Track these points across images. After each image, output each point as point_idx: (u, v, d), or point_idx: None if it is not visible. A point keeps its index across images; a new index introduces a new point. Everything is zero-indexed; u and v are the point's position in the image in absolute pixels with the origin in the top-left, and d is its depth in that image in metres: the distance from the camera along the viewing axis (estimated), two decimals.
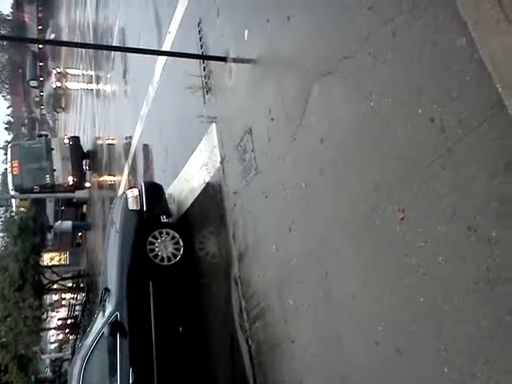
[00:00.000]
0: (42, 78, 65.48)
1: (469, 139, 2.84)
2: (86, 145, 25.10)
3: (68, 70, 39.14)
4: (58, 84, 42.76)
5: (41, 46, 59.23)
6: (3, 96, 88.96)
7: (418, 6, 3.20)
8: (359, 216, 3.83)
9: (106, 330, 7.01)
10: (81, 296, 29.42)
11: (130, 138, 13.35)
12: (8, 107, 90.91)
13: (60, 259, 28.39)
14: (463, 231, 2.89)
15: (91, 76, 23.79)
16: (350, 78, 3.91)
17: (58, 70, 44.53)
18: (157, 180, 10.15)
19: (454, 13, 2.88)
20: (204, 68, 7.30)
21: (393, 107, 3.43)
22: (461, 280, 2.91)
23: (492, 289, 2.71)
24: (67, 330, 34.09)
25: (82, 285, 27.55)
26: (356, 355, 3.97)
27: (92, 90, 23.67)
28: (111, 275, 7.83)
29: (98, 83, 21.68)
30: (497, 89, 2.64)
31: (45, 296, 23.03)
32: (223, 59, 6.41)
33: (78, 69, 31.32)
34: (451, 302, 2.98)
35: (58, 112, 44.37)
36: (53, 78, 44.56)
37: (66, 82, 41.00)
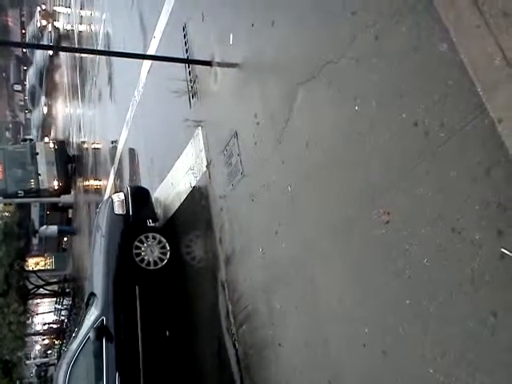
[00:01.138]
0: (25, 83, 64.84)
1: (452, 143, 2.88)
2: (72, 149, 24.92)
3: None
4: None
5: (24, 49, 58.65)
6: None
7: (400, 11, 3.23)
8: (345, 219, 3.86)
9: (91, 335, 6.96)
10: (67, 301, 29.14)
11: (116, 142, 13.29)
12: None
13: (45, 264, 28.13)
14: (447, 234, 2.92)
15: (77, 80, 23.63)
16: (335, 82, 3.93)
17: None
18: (143, 184, 10.12)
19: (436, 18, 2.92)
20: (189, 72, 7.29)
21: (377, 111, 3.46)
22: (445, 282, 2.94)
23: (476, 291, 2.74)
24: (53, 335, 33.74)
25: (67, 289, 27.31)
26: (343, 358, 3.98)
27: (77, 97, 23.50)
28: (97, 280, 7.77)
29: (83, 87, 21.54)
30: (478, 92, 2.68)
31: (30, 301, 22.78)
32: (208, 63, 6.41)
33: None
34: (436, 304, 3.01)
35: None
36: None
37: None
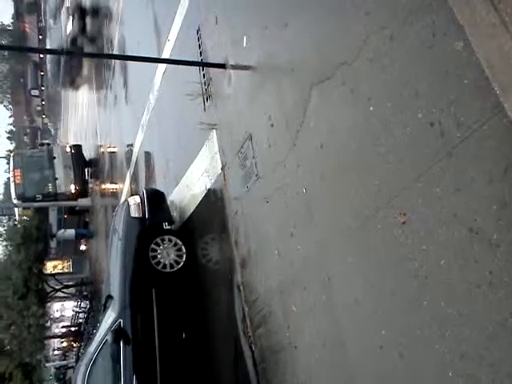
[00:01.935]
0: (43, 88, 65.74)
1: (468, 143, 2.85)
2: (88, 153, 25.15)
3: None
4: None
5: (42, 55, 59.49)
6: (5, 106, 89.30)
7: (415, 10, 3.21)
8: (361, 220, 3.83)
9: (109, 337, 7.01)
10: (84, 303, 29.40)
11: (132, 145, 13.39)
12: (10, 116, 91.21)
13: (63, 267, 28.43)
14: (465, 234, 2.89)
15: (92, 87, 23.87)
16: (349, 83, 3.92)
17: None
18: (158, 187, 10.16)
19: (451, 17, 2.90)
20: (203, 75, 7.32)
21: (392, 112, 3.44)
22: (463, 283, 2.91)
23: (495, 292, 2.71)
24: (71, 338, 34.06)
25: (85, 292, 27.55)
26: (360, 360, 3.96)
27: (93, 101, 23.73)
28: (114, 282, 7.83)
29: (99, 92, 21.75)
30: (495, 91, 2.64)
31: (48, 304, 23.04)
32: (222, 66, 6.43)
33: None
34: (454, 305, 2.98)
35: None
36: None
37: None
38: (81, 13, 21.25)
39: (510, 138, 2.59)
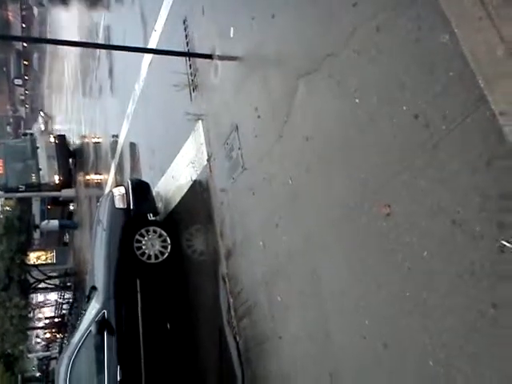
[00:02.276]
0: (26, 77, 64.80)
1: (453, 135, 2.87)
2: (73, 143, 24.90)
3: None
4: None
5: (25, 44, 58.59)
6: None
7: (402, 2, 3.22)
8: (346, 212, 3.86)
9: (93, 328, 6.99)
10: (68, 295, 29.22)
11: (117, 136, 13.28)
12: None
13: (46, 258, 28.15)
14: (448, 226, 2.92)
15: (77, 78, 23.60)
16: (335, 75, 3.92)
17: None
18: (144, 178, 10.11)
19: (437, 10, 2.91)
20: (190, 65, 7.28)
21: (378, 104, 3.46)
22: (446, 274, 2.95)
23: (476, 283, 2.75)
24: (54, 329, 33.87)
25: (69, 283, 27.37)
26: (344, 350, 4.00)
27: (78, 91, 23.46)
28: (98, 273, 7.79)
29: (84, 82, 21.50)
30: (479, 84, 2.67)
31: (31, 295, 22.85)
32: (209, 57, 6.40)
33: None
34: (436, 295, 3.02)
35: None
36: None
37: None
38: None
39: (493, 131, 2.61)
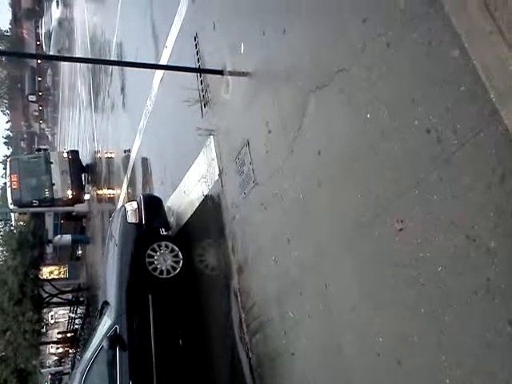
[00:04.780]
0: (40, 93, 65.76)
1: (465, 150, 2.85)
2: (86, 159, 25.14)
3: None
4: None
5: (39, 60, 59.55)
6: (2, 111, 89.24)
7: (412, 18, 3.23)
8: (358, 227, 3.83)
9: (105, 344, 6.97)
10: (80, 309, 29.27)
11: (129, 151, 13.39)
12: (7, 122, 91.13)
13: (59, 273, 28.28)
14: (462, 241, 2.89)
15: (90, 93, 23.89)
16: (346, 90, 3.93)
17: None
18: (156, 193, 10.16)
19: (447, 24, 2.91)
20: (201, 81, 7.34)
21: (389, 119, 3.45)
22: (461, 290, 2.91)
23: (492, 299, 2.71)
24: (67, 344, 33.89)
25: (81, 298, 27.43)
26: (357, 367, 3.95)
27: (91, 107, 23.74)
28: (110, 288, 7.80)
29: (96, 98, 21.76)
30: (491, 99, 2.65)
31: (44, 310, 22.91)
32: (220, 72, 6.44)
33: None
34: (451, 312, 2.97)
35: None
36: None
37: None
38: None
39: (506, 145, 2.59)
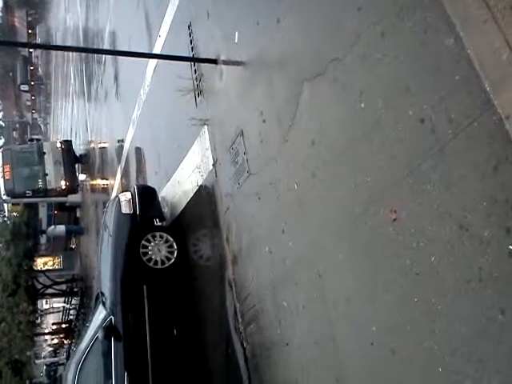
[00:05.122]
0: (32, 82, 65.27)
1: (459, 139, 2.85)
2: (79, 149, 25.00)
3: None
4: None
5: (31, 49, 59.01)
6: None
7: (407, 6, 3.21)
8: (352, 217, 3.84)
9: (100, 334, 6.98)
10: (75, 300, 29.26)
11: (123, 141, 13.31)
12: None
13: (54, 264, 28.19)
14: (455, 231, 2.90)
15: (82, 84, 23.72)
16: (341, 79, 3.91)
17: None
18: (150, 183, 10.13)
19: (442, 13, 2.89)
20: (195, 70, 7.29)
21: (383, 108, 3.44)
22: (454, 279, 2.92)
23: (485, 288, 2.72)
24: (62, 335, 33.91)
25: (76, 289, 27.40)
26: (351, 356, 3.97)
27: (84, 96, 23.58)
28: (105, 279, 7.79)
29: (89, 87, 21.60)
30: (485, 88, 2.65)
31: (38, 301, 22.88)
32: (214, 61, 6.40)
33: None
34: (444, 301, 2.99)
35: None
36: None
37: None
38: None
39: (500, 135, 2.59)
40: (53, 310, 35.53)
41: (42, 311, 22.79)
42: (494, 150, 2.63)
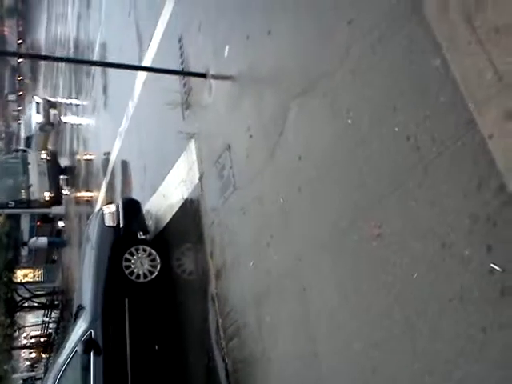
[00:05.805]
0: (20, 93, 64.88)
1: (443, 158, 2.89)
2: (64, 160, 24.82)
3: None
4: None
5: (20, 59, 58.75)
6: None
7: (395, 25, 3.26)
8: (336, 232, 3.85)
9: (79, 348, 6.87)
10: (55, 313, 28.77)
11: (109, 153, 13.25)
12: None
13: (34, 276, 27.76)
14: (438, 248, 2.92)
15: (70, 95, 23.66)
16: (329, 95, 3.95)
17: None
18: (135, 196, 10.06)
19: (429, 33, 2.95)
20: (184, 84, 7.31)
21: (370, 125, 3.48)
22: (435, 297, 2.93)
23: (465, 307, 2.73)
24: (40, 349, 33.25)
25: (56, 302, 26.97)
26: (333, 372, 3.95)
27: (71, 108, 23.48)
28: (86, 292, 7.69)
29: (77, 99, 21.53)
30: (469, 108, 2.69)
31: (17, 314, 22.46)
32: (203, 75, 6.43)
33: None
34: (425, 319, 3.00)
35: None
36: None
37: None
38: None
39: (483, 154, 2.63)
40: (33, 321, 34.89)
41: (20, 329, 22.36)
42: (477, 168, 2.67)
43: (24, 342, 33.02)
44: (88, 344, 6.90)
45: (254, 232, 5.18)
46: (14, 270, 21.62)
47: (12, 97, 65.68)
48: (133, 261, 7.73)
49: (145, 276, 7.71)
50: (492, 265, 2.56)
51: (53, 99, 29.63)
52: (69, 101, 23.53)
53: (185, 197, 7.36)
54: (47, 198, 22.43)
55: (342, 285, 3.81)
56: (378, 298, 3.38)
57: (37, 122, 27.56)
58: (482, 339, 2.62)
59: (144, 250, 7.92)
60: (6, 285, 19.14)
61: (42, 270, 28.18)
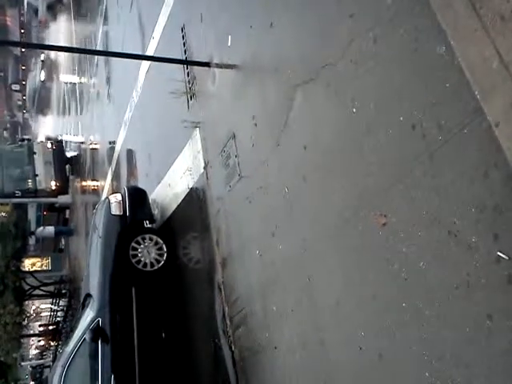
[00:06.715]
0: (24, 82, 64.89)
1: (449, 146, 2.87)
2: (70, 150, 24.88)
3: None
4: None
5: (23, 49, 58.67)
6: None
7: (399, 14, 3.24)
8: (342, 221, 3.85)
9: (87, 336, 6.93)
10: (63, 302, 29.04)
11: (114, 142, 13.27)
12: None
13: (42, 265, 28.00)
14: (444, 236, 2.91)
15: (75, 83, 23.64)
16: (333, 84, 3.93)
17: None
18: (140, 185, 10.09)
19: (434, 21, 2.92)
20: (188, 73, 7.29)
21: (375, 114, 3.46)
22: (442, 285, 2.94)
23: (472, 294, 2.74)
24: (48, 337, 33.62)
25: (64, 291, 27.22)
26: (339, 360, 3.97)
27: (76, 95, 23.48)
28: (93, 281, 7.75)
29: (81, 89, 21.52)
30: (475, 95, 2.67)
31: (26, 302, 22.69)
32: (207, 64, 6.41)
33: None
34: (432, 307, 3.01)
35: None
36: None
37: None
38: None
39: (489, 142, 2.62)
40: (40, 316, 35.25)
41: (29, 317, 22.60)
42: (484, 156, 2.66)
43: (33, 330, 33.36)
44: (96, 332, 6.97)
45: (259, 221, 5.19)
46: (22, 259, 21.81)
47: (16, 86, 65.71)
48: (140, 250, 7.77)
49: (152, 265, 7.76)
50: (499, 253, 2.56)
51: None
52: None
53: (190, 186, 7.37)
54: (54, 188, 22.53)
55: (348, 274, 3.82)
56: (385, 287, 3.39)
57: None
58: (489, 326, 2.63)
59: (150, 239, 7.96)
60: (14, 273, 19.31)
61: (49, 259, 28.43)
